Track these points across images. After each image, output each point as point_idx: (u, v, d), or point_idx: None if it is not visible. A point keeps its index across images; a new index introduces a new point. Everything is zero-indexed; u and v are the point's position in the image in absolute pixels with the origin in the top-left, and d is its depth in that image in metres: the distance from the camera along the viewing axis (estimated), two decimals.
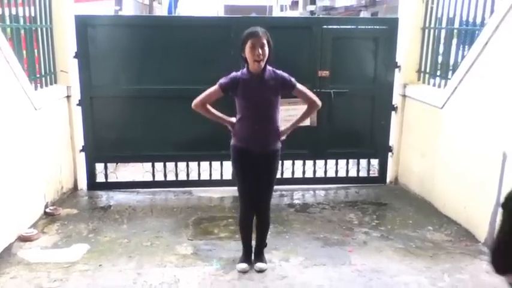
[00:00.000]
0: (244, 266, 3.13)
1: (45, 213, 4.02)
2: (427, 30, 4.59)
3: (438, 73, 4.46)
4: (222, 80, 3.00)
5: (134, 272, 3.08)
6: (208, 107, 3.07)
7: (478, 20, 3.88)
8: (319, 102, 3.12)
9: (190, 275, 3.04)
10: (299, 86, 3.05)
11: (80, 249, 3.41)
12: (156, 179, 4.84)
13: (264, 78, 2.95)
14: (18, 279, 2.99)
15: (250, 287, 2.94)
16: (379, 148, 5.01)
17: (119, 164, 5.04)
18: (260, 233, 3.20)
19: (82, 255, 3.31)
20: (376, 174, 5.10)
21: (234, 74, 3.02)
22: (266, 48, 2.88)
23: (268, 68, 2.99)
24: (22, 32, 3.95)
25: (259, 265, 3.14)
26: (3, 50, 3.39)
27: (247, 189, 3.07)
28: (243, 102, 2.99)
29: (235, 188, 3.17)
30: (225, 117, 3.13)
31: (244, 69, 2.99)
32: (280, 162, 3.36)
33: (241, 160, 3.05)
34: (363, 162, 5.07)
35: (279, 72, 3.03)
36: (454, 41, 4.27)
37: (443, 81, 4.32)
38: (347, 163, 5.02)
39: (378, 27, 4.84)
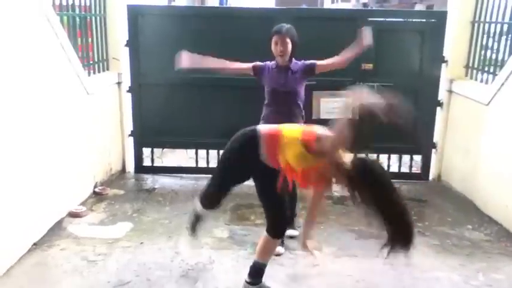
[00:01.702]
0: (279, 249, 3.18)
1: (94, 192, 4.27)
2: (476, 24, 4.46)
3: (486, 69, 4.34)
4: (257, 62, 3.38)
5: (172, 251, 3.24)
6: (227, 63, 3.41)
7: None
8: (343, 60, 3.37)
9: (225, 257, 3.17)
10: (319, 62, 3.33)
11: (124, 227, 3.62)
12: (199, 166, 5.00)
13: (290, 69, 3.30)
14: (67, 251, 3.22)
15: (280, 272, 3.03)
16: (423, 144, 4.92)
17: (165, 149, 5.25)
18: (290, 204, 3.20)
19: (125, 233, 3.52)
20: (419, 171, 5.04)
21: (267, 62, 3.39)
22: (289, 45, 3.21)
23: (295, 60, 3.33)
24: (77, 20, 4.19)
25: (290, 232, 3.32)
26: (59, 37, 3.62)
27: None
28: (268, 89, 3.33)
29: None
30: (242, 65, 3.44)
31: (274, 61, 3.35)
32: None
33: None
34: (405, 158, 5.02)
35: (302, 61, 3.35)
36: (504, 36, 4.13)
37: (491, 77, 4.20)
38: (389, 158, 4.98)
39: (425, 20, 4.75)
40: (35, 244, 3.27)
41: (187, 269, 3.02)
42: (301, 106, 3.38)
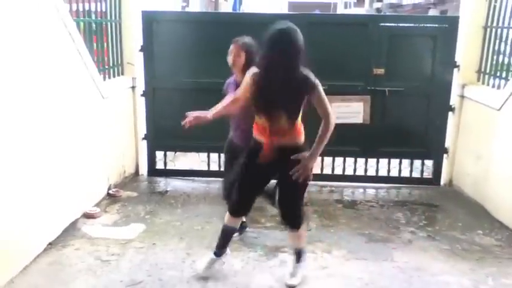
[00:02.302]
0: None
1: (108, 194, 4.35)
2: (488, 29, 4.46)
3: (498, 74, 4.33)
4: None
5: (184, 252, 3.30)
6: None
7: None
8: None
9: (235, 259, 3.21)
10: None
11: (137, 228, 3.69)
12: (210, 169, 5.06)
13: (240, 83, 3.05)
14: (81, 251, 3.30)
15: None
16: (434, 149, 4.92)
17: (177, 153, 5.32)
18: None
19: (138, 234, 3.58)
20: (430, 176, 5.03)
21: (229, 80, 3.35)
22: (241, 59, 3.10)
23: None
24: (93, 26, 4.29)
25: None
26: (76, 42, 3.72)
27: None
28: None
29: None
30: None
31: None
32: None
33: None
34: (417, 162, 5.02)
35: None
36: None
37: (503, 82, 4.20)
38: (400, 163, 4.98)
39: (437, 25, 4.76)
40: (50, 244, 3.35)
41: (197, 271, 3.06)
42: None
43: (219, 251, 3.02)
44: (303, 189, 2.83)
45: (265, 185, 2.99)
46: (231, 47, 3.16)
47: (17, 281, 2.90)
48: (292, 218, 2.90)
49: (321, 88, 2.66)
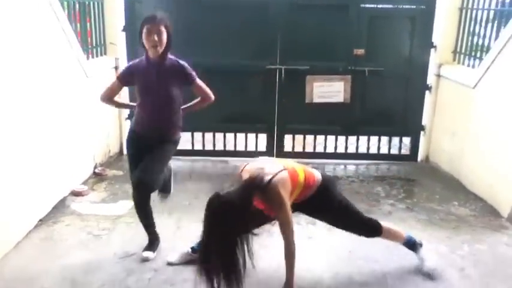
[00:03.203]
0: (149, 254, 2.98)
1: (94, 173, 4.39)
2: (464, 11, 4.62)
3: (473, 54, 4.51)
4: (120, 72, 3.01)
5: (174, 226, 3.40)
6: (116, 99, 3.09)
7: None
8: (212, 97, 3.13)
9: None
10: (198, 80, 3.00)
11: (126, 204, 3.74)
12: (195, 148, 5.14)
13: (163, 66, 2.86)
14: (72, 227, 3.36)
15: (278, 243, 3.18)
16: (412, 127, 5.11)
17: None
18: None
19: (128, 210, 3.64)
20: (408, 152, 5.22)
21: (131, 62, 3.00)
22: (164, 35, 2.78)
23: (171, 57, 2.90)
24: (77, 6, 4.26)
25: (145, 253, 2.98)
26: (60, 20, 3.71)
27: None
28: (139, 89, 2.91)
29: None
30: (130, 104, 3.32)
31: (144, 57, 2.89)
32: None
33: (133, 144, 3.03)
34: (395, 140, 5.20)
35: (182, 63, 2.94)
36: (491, 23, 4.30)
37: (477, 62, 4.37)
38: (379, 140, 5.15)
39: (415, 6, 4.90)
40: (40, 220, 3.40)
41: (189, 242, 3.15)
42: (179, 113, 3.01)
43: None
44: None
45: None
46: (148, 26, 2.76)
47: (10, 256, 2.95)
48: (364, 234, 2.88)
49: None
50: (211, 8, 4.83)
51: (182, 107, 3.05)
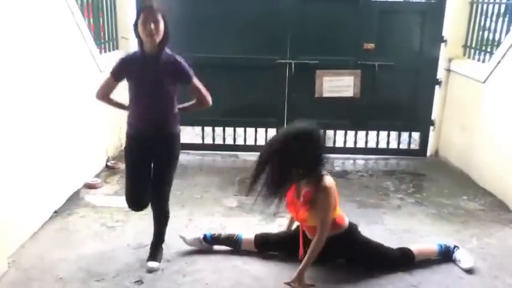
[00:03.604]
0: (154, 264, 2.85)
1: (107, 166, 4.46)
2: (475, 5, 4.61)
3: (484, 48, 4.50)
4: (113, 66, 2.76)
5: (186, 218, 3.45)
6: (112, 97, 2.87)
7: None
8: (210, 101, 2.89)
9: (236, 223, 3.38)
10: (195, 80, 2.80)
11: None
12: (205, 142, 5.19)
13: (159, 60, 2.65)
14: (86, 219, 3.43)
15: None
16: (421, 121, 5.12)
17: None
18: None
19: None
20: (417, 147, 5.23)
21: (124, 56, 2.80)
22: (161, 24, 2.58)
23: (168, 51, 2.70)
24: (90, 0, 4.32)
25: (150, 264, 2.83)
26: (75, 15, 3.77)
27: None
28: (133, 83, 2.73)
29: None
30: (124, 105, 2.96)
31: (138, 50, 2.70)
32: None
33: (131, 151, 2.88)
34: (404, 134, 5.21)
35: (180, 59, 2.74)
36: (501, 17, 4.29)
37: (488, 57, 4.37)
38: (388, 135, 5.17)
39: (425, 0, 4.90)
40: (55, 212, 3.47)
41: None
42: (175, 107, 2.79)
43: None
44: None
45: None
46: (144, 14, 2.56)
47: (27, 246, 3.02)
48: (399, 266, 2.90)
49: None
50: (222, 2, 4.86)
51: (178, 106, 2.83)
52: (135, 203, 2.87)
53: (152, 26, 2.55)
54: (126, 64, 2.73)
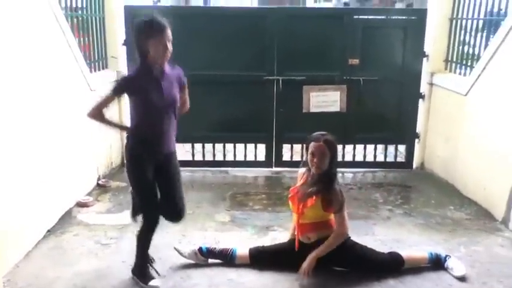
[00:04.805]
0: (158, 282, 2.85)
1: (98, 184, 4.47)
2: (454, 21, 4.79)
3: (464, 62, 4.66)
4: (116, 85, 2.70)
5: (179, 234, 3.48)
6: (107, 116, 2.77)
7: (503, 11, 4.08)
8: (188, 106, 2.97)
9: (229, 238, 3.42)
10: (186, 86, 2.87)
11: None
12: (195, 159, 5.23)
13: (167, 73, 2.66)
14: (80, 237, 3.44)
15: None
16: (407, 134, 5.24)
17: None
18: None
19: None
20: (403, 160, 5.34)
21: (128, 75, 2.75)
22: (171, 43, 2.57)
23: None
24: (80, 20, 4.38)
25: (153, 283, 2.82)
26: (66, 35, 3.83)
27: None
28: (145, 103, 2.63)
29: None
30: (122, 125, 3.03)
31: (139, 68, 2.62)
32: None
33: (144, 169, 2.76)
34: (391, 147, 5.32)
35: (178, 67, 2.80)
36: (480, 32, 4.46)
37: (468, 70, 4.53)
38: (375, 148, 5.27)
39: (407, 17, 5.07)
40: (48, 231, 3.47)
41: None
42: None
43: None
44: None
45: None
46: (162, 35, 2.54)
47: (21, 265, 3.02)
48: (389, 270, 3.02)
49: None
50: (209, 20, 4.96)
51: None
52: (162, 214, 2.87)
53: (169, 45, 2.52)
54: (134, 83, 2.62)
